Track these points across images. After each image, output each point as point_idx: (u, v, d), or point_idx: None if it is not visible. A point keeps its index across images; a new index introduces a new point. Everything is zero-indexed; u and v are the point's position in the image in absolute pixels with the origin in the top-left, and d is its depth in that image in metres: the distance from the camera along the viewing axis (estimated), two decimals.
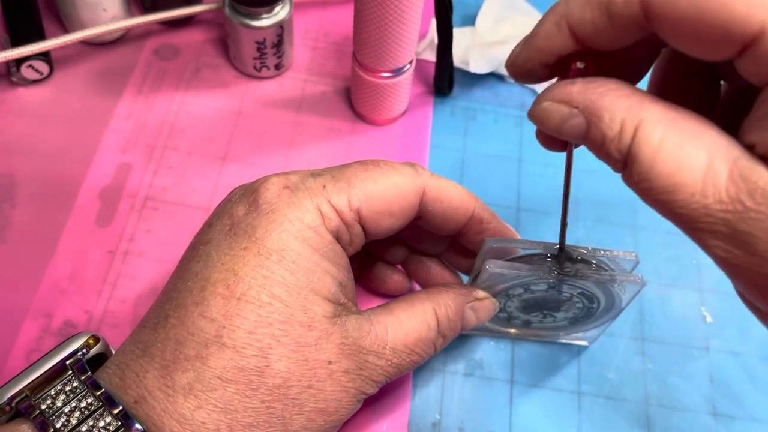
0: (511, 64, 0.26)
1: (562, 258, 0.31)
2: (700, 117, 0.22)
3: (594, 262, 0.31)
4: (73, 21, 0.45)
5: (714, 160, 0.21)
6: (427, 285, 0.36)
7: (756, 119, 0.21)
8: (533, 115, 0.25)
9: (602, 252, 0.31)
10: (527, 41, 0.25)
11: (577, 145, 0.26)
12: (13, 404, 0.25)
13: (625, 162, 0.22)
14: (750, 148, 0.21)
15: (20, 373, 0.26)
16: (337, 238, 0.28)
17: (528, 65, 0.25)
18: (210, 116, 0.44)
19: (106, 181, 0.41)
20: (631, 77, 0.26)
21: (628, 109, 0.22)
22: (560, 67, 0.25)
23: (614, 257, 0.31)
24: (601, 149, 0.23)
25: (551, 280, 0.31)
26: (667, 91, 0.26)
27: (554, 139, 0.26)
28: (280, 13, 0.43)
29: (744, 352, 0.38)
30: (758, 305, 0.22)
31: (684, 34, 0.20)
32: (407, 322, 0.29)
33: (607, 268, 0.31)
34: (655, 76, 0.27)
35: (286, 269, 0.27)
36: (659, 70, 0.26)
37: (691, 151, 0.21)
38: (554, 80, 0.25)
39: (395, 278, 0.37)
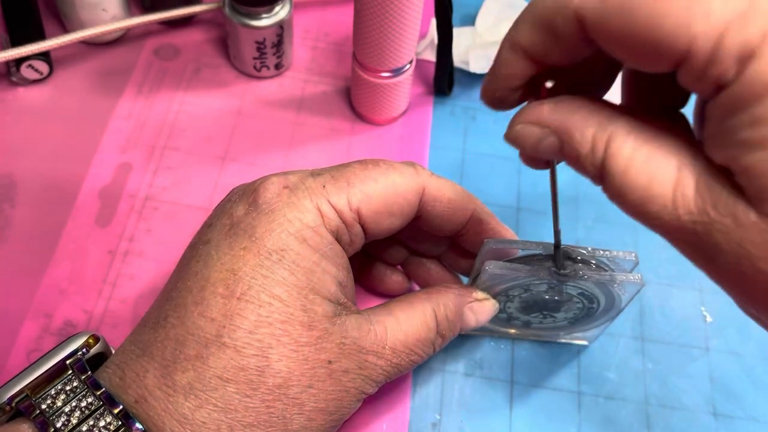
0: (483, 96, 0.26)
1: (561, 258, 0.31)
2: (669, 125, 0.22)
3: (593, 262, 0.31)
4: (73, 21, 0.45)
5: (683, 172, 0.21)
6: (426, 286, 0.36)
7: (708, 136, 0.20)
8: (509, 139, 0.25)
9: (602, 252, 0.31)
10: (492, 71, 0.25)
11: (558, 161, 0.26)
12: (14, 404, 0.25)
13: (601, 176, 0.22)
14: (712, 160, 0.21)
15: (20, 372, 0.26)
16: (337, 237, 0.28)
17: (498, 94, 0.25)
18: (210, 116, 0.44)
19: (106, 181, 0.41)
20: (601, 87, 0.26)
21: (597, 125, 0.22)
22: (532, 89, 0.25)
23: (614, 257, 0.31)
24: (577, 165, 0.23)
25: (551, 281, 0.31)
26: (636, 100, 0.26)
27: (535, 158, 0.26)
28: (280, 12, 0.43)
29: (744, 352, 0.38)
30: (747, 314, 0.23)
31: (620, 50, 0.20)
32: (406, 323, 0.29)
33: (606, 268, 0.31)
34: (623, 86, 0.27)
35: (286, 269, 0.27)
36: (626, 79, 0.26)
37: (661, 163, 0.21)
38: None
39: (395, 278, 0.37)
